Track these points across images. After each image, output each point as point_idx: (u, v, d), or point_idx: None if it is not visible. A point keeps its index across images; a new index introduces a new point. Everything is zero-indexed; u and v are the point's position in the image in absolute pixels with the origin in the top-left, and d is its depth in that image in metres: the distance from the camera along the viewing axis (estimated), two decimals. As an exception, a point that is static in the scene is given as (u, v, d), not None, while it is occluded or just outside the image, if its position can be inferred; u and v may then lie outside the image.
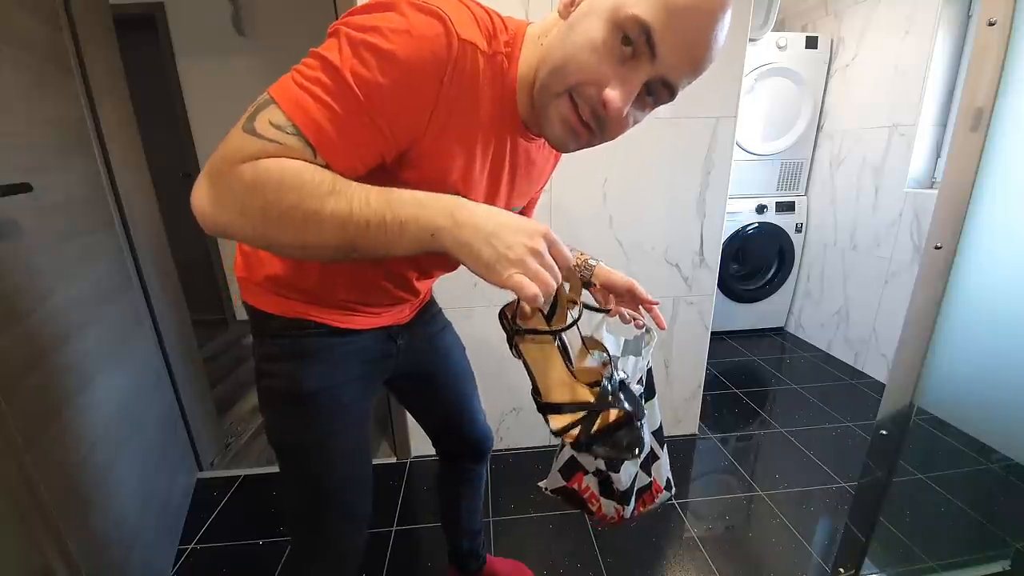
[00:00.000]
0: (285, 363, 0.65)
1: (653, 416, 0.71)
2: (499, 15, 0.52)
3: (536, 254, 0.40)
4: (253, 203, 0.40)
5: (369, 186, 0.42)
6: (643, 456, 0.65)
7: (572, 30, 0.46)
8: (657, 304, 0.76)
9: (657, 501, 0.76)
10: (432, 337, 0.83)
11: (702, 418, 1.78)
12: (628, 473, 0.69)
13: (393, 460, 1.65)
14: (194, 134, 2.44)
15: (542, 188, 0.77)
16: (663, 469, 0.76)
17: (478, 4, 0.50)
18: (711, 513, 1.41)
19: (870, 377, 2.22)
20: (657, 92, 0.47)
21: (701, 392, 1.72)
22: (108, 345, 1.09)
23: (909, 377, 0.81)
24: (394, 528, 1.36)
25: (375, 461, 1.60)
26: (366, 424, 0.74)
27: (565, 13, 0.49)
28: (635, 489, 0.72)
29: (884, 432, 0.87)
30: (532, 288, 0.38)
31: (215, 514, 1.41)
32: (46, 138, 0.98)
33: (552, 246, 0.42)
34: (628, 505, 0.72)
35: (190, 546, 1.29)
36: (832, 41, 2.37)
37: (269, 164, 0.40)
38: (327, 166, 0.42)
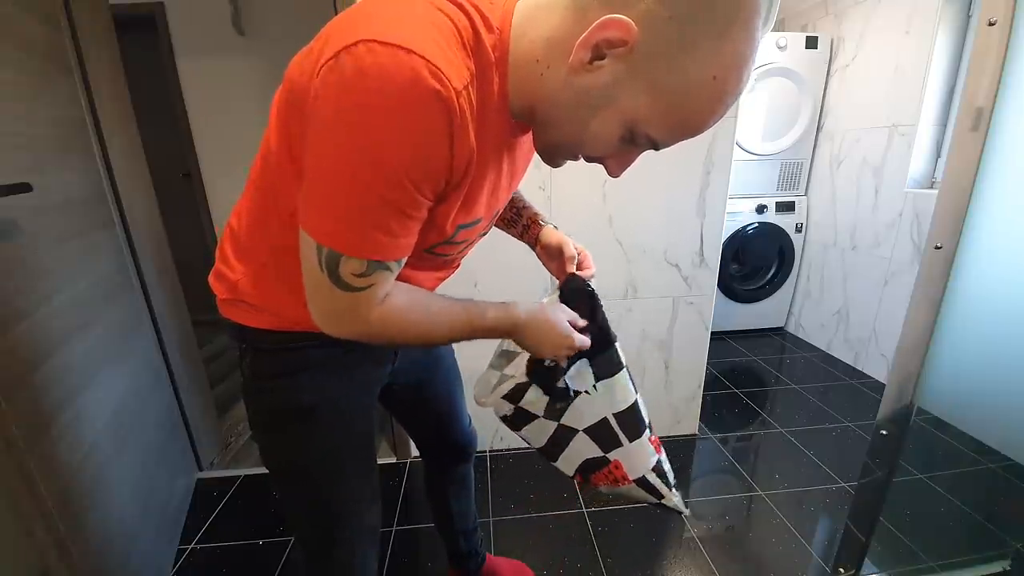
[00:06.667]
0: (281, 379, 0.62)
1: (613, 395, 0.71)
2: (478, 7, 0.44)
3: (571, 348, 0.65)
4: (383, 341, 0.54)
5: (458, 313, 0.57)
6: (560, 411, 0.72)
7: (588, 115, 0.44)
8: (584, 254, 0.76)
9: (622, 488, 0.75)
10: None
11: (702, 418, 1.78)
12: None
13: (393, 460, 1.65)
14: (194, 134, 2.44)
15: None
16: (636, 459, 0.73)
17: (455, 2, 0.43)
18: (711, 513, 1.41)
19: (870, 377, 2.22)
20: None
21: (701, 392, 1.72)
22: (108, 345, 1.09)
23: (909, 377, 0.81)
24: (394, 528, 1.36)
25: (375, 461, 1.60)
26: (370, 434, 0.72)
27: (577, 69, 0.42)
28: (565, 444, 0.75)
29: (884, 432, 0.87)
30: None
31: (215, 514, 1.41)
32: (46, 138, 0.98)
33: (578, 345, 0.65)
34: (555, 459, 0.76)
35: (190, 546, 1.29)
36: (832, 41, 2.37)
37: (386, 318, 0.50)
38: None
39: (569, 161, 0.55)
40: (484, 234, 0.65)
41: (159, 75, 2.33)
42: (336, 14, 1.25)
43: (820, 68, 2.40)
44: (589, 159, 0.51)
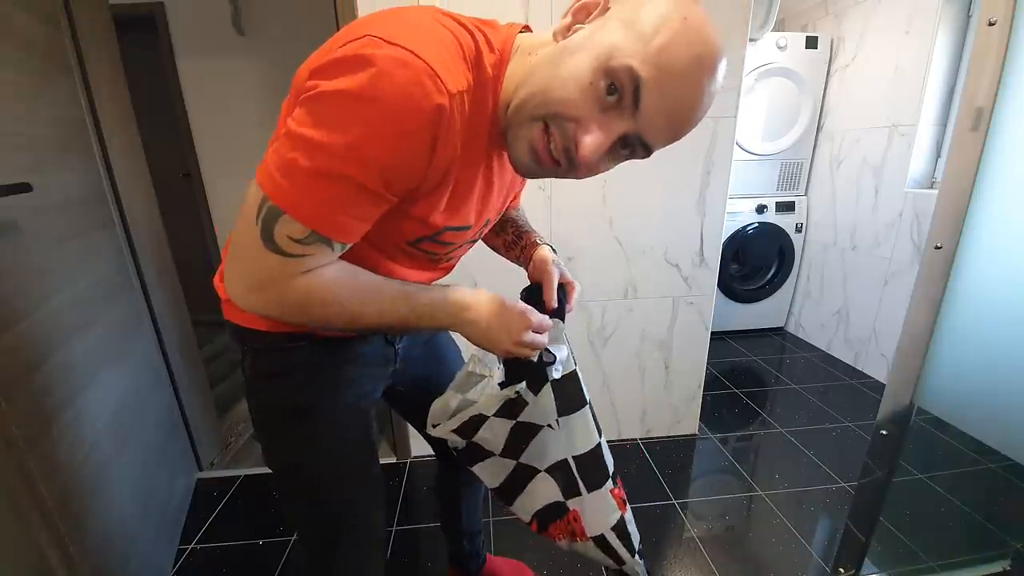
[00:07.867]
0: (279, 379, 0.62)
1: (573, 436, 0.62)
2: (482, 30, 0.49)
3: (521, 345, 0.57)
4: (300, 318, 0.49)
5: (395, 293, 0.52)
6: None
7: (562, 59, 0.45)
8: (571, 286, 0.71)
9: (578, 545, 0.66)
10: (428, 340, 0.82)
11: (702, 418, 1.78)
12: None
13: (393, 460, 1.65)
14: (194, 134, 2.44)
15: (523, 185, 0.78)
16: (594, 513, 0.64)
17: (461, 24, 0.47)
18: (711, 513, 1.41)
19: (870, 377, 2.22)
20: (633, 148, 0.48)
21: (701, 392, 1.72)
22: (108, 345, 1.09)
23: (909, 377, 0.81)
24: (394, 528, 1.36)
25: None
26: (370, 435, 0.71)
27: (561, 36, 0.48)
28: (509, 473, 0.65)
29: (884, 432, 0.87)
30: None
31: (215, 514, 1.41)
32: (46, 138, 0.98)
33: (537, 328, 0.59)
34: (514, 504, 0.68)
35: (190, 546, 1.29)
36: (832, 41, 2.37)
37: (308, 288, 0.47)
38: (344, 244, 0.48)
39: (548, 176, 0.51)
40: (473, 242, 0.66)
41: (159, 75, 2.33)
42: (336, 13, 1.26)
43: (820, 68, 2.40)
44: (563, 130, 0.45)
